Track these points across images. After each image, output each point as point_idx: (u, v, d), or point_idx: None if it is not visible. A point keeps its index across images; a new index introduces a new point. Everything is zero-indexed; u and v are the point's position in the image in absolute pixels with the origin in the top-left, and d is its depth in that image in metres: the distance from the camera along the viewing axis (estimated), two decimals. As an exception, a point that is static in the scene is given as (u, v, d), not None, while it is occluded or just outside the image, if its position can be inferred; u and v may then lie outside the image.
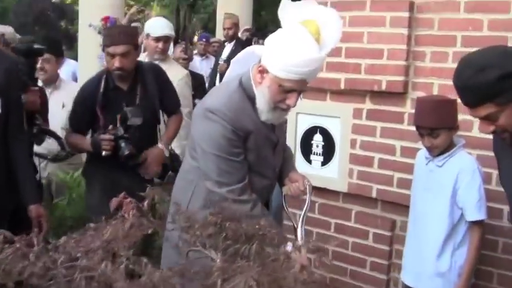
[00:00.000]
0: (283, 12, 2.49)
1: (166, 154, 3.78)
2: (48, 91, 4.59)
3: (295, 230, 2.75)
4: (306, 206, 2.80)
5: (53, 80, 4.63)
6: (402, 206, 3.56)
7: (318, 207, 3.86)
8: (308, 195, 2.80)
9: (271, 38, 2.53)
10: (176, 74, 4.46)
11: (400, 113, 3.52)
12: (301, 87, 2.53)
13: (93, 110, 3.61)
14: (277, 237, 2.11)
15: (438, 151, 2.96)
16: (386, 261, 3.66)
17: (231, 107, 2.55)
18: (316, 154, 3.85)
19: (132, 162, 3.51)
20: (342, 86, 3.66)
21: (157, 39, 4.50)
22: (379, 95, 3.56)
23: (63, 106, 4.56)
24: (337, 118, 3.74)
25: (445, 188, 2.94)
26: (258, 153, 2.67)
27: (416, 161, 3.21)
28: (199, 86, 5.55)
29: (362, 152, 3.68)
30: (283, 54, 2.43)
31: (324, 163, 3.83)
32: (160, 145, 3.77)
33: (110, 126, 3.48)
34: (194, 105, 5.23)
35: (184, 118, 4.41)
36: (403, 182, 3.52)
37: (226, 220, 2.18)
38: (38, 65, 4.47)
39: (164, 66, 4.42)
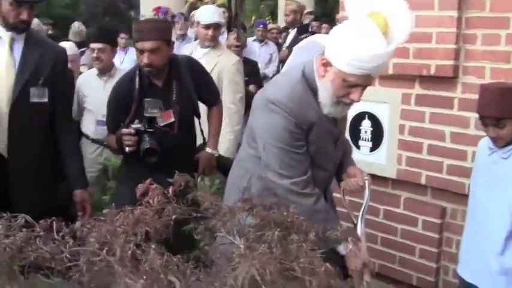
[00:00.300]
0: (350, 2, 2.41)
1: (216, 155, 3.68)
2: (103, 79, 4.70)
3: (354, 226, 2.72)
4: (365, 202, 2.74)
5: (108, 69, 4.72)
6: (452, 193, 3.48)
7: (367, 193, 3.81)
8: (367, 190, 2.74)
9: (336, 30, 2.43)
10: (228, 61, 4.47)
11: (450, 98, 3.42)
12: (365, 82, 2.42)
13: (129, 109, 3.38)
14: (304, 224, 2.09)
15: (504, 142, 2.73)
16: (436, 249, 3.58)
17: (293, 99, 2.47)
18: (365, 140, 3.80)
19: (153, 158, 3.22)
20: (391, 71, 3.59)
21: (207, 26, 4.49)
22: (428, 80, 3.47)
23: None
24: (386, 104, 3.68)
25: (510, 182, 2.72)
26: (319, 146, 2.59)
27: (478, 151, 3.00)
28: (252, 72, 5.56)
29: (411, 137, 3.60)
30: (348, 48, 2.33)
31: (372, 149, 3.78)
32: (209, 149, 3.66)
33: (136, 121, 3.29)
34: (250, 92, 5.26)
35: (237, 104, 4.44)
36: (453, 168, 3.44)
37: (256, 207, 2.19)
38: (94, 55, 4.59)
39: (216, 53, 4.46)
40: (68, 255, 1.52)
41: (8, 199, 3.06)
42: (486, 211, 2.81)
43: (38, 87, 3.14)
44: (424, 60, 3.45)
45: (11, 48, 3.12)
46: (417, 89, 3.53)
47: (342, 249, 2.57)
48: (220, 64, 4.45)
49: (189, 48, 4.71)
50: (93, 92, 4.65)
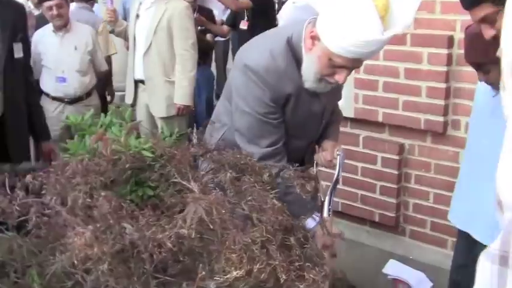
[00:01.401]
0: None
1: None
2: (59, 35, 4.63)
3: (321, 203, 2.52)
4: (334, 179, 2.52)
5: (65, 24, 4.64)
6: (409, 129, 3.53)
7: (327, 134, 3.86)
8: (338, 166, 2.51)
9: (331, 3, 2.15)
10: (177, 7, 4.40)
11: (402, 34, 3.42)
12: (353, 65, 2.24)
13: None
14: (257, 165, 2.11)
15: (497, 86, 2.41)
16: (395, 185, 3.65)
17: (271, 70, 2.30)
18: (322, 81, 3.81)
19: None
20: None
21: None
22: (381, 17, 3.47)
23: (75, 48, 4.62)
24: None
25: None
26: (296, 117, 2.45)
27: (477, 91, 2.67)
28: (208, 20, 5.51)
29: (366, 76, 3.63)
30: (339, 27, 2.08)
31: (329, 89, 3.79)
32: None
33: None
34: (207, 41, 5.24)
35: (189, 50, 4.41)
36: (408, 104, 3.48)
37: (210, 151, 2.21)
38: (54, 12, 4.47)
39: (164, 1, 4.39)
40: (18, 208, 1.53)
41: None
42: (493, 156, 2.50)
43: (17, 43, 3.17)
44: (376, -3, 3.44)
45: None
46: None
47: (309, 222, 2.39)
48: (169, 11, 4.37)
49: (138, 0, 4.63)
50: (50, 48, 4.60)
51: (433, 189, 3.53)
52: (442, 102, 3.35)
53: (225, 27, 5.80)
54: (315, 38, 2.22)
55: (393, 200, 3.67)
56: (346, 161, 3.77)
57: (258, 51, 2.41)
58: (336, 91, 2.55)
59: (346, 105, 3.70)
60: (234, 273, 1.39)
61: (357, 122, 3.77)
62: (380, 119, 3.63)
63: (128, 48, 5.07)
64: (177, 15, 4.37)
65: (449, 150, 3.41)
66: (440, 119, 3.37)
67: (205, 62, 5.63)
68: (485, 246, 2.49)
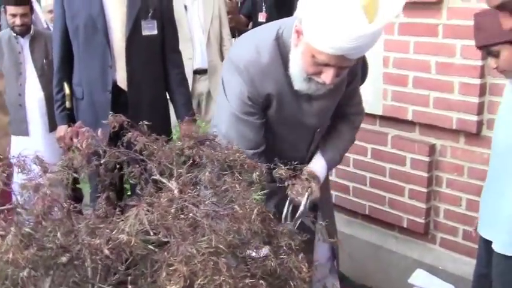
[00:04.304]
0: None
1: None
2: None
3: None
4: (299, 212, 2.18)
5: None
6: (441, 129, 3.25)
7: (355, 132, 3.60)
8: (303, 203, 2.17)
9: None
10: None
11: (434, 25, 3.15)
12: (339, 63, 1.95)
13: None
14: (248, 163, 1.91)
15: (508, 73, 2.27)
16: (425, 188, 3.37)
17: (253, 65, 2.12)
18: (349, 76, 3.57)
19: None
20: (372, -1, 3.32)
21: None
22: (412, 7, 3.16)
23: None
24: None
25: None
26: (281, 119, 2.25)
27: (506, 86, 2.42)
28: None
29: (395, 70, 3.36)
30: (318, 19, 1.86)
31: (358, 85, 3.55)
32: None
33: None
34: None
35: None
36: (440, 101, 3.20)
37: (196, 146, 2.02)
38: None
39: None
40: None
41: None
42: (507, 155, 2.30)
43: (148, 20, 3.22)
44: (407, -15, 3.17)
45: None
46: (400, 17, 3.27)
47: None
48: (216, 1, 4.51)
49: None
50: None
51: (466, 195, 3.23)
52: (476, 99, 3.05)
53: (244, 19, 5.64)
54: (299, 32, 2.00)
55: (423, 205, 3.39)
56: (374, 161, 3.56)
57: (244, 45, 2.24)
58: (334, 94, 2.28)
59: (375, 102, 3.45)
60: (170, 288, 1.18)
61: (385, 119, 3.50)
62: (410, 117, 3.35)
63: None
64: (222, 3, 4.56)
65: (484, 153, 3.10)
66: (474, 118, 3.07)
67: None
68: (500, 255, 2.29)
